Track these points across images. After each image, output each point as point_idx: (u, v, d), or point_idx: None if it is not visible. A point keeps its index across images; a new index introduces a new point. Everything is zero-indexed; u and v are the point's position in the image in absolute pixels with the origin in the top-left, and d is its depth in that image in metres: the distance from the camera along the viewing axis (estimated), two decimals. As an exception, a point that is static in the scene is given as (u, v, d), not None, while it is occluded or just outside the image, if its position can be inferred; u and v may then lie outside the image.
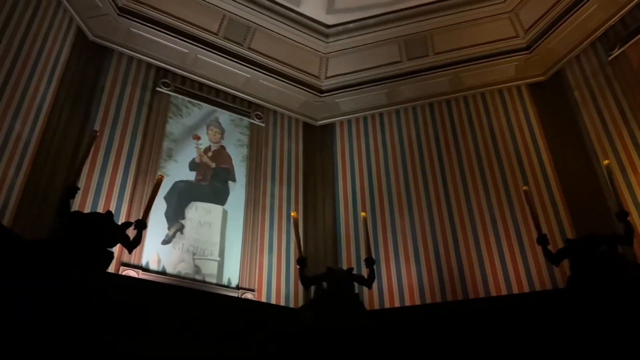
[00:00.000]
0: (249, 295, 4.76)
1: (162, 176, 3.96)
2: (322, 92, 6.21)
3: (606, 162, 3.98)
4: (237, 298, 4.63)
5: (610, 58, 5.02)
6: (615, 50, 4.98)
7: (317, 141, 6.22)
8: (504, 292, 4.66)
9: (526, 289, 4.62)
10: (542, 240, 3.81)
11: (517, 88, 5.79)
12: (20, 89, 4.09)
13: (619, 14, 5.03)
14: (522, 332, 3.53)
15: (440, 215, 5.27)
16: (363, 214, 4.52)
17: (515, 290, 4.65)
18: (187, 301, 3.69)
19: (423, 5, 5.72)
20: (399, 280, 5.02)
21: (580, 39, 5.33)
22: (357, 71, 6.16)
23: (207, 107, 5.62)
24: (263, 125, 5.92)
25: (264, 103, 6.05)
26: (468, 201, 5.26)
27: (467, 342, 3.63)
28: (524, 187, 4.22)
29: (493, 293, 4.67)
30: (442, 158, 5.63)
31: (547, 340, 3.43)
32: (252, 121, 5.85)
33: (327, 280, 4.04)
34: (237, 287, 4.78)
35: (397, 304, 4.87)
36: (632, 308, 3.23)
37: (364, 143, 6.05)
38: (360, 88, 6.15)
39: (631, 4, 4.92)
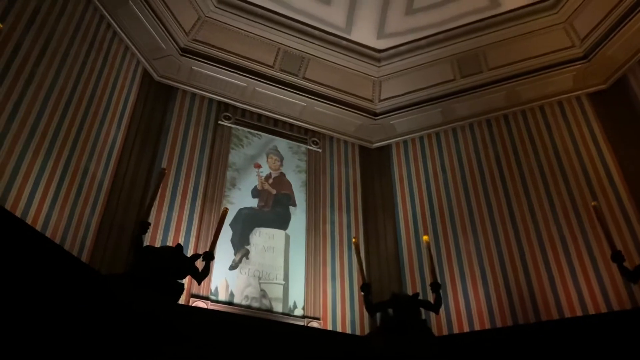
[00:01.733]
0: (314, 324, 4.68)
1: (226, 209, 4.01)
2: (376, 114, 6.17)
3: None
4: (304, 327, 4.58)
5: None
6: None
7: (374, 164, 6.16)
8: (579, 313, 4.37)
9: (603, 309, 4.31)
10: (617, 256, 3.58)
11: (577, 99, 5.54)
12: (94, 132, 4.29)
13: None
14: (601, 355, 3.30)
15: (506, 235, 5.05)
16: (425, 237, 4.38)
17: (592, 311, 4.34)
18: (255, 331, 3.68)
19: (474, 22, 5.63)
20: (467, 304, 4.83)
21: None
22: (410, 92, 6.10)
23: (266, 136, 5.69)
24: (320, 150, 5.92)
25: (320, 129, 6.07)
26: (534, 219, 5.02)
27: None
28: (592, 203, 3.98)
29: (567, 314, 4.40)
30: (504, 175, 5.42)
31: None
32: (309, 147, 5.87)
33: (393, 307, 3.93)
34: (303, 316, 4.73)
35: (466, 329, 4.68)
36: None
37: (422, 164, 5.94)
38: (415, 108, 6.08)
39: None
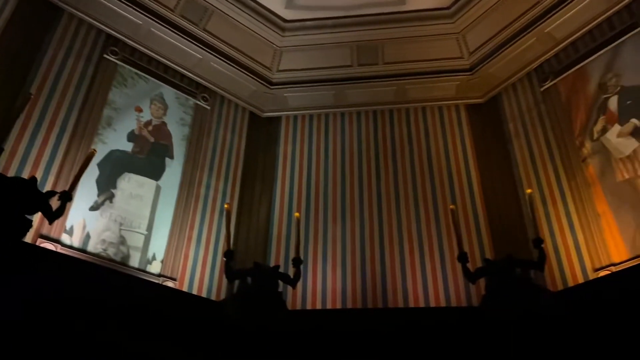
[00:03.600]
0: (170, 284, 4.51)
1: (94, 151, 3.67)
2: (272, 84, 6.03)
3: (529, 191, 4.06)
4: (158, 284, 4.39)
5: (542, 89, 5.21)
6: (548, 82, 5.17)
7: (262, 134, 6.01)
8: (422, 304, 4.65)
9: (442, 304, 4.63)
10: (463, 257, 3.81)
11: (456, 107, 5.84)
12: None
13: (555, 49, 5.22)
14: (435, 344, 3.53)
15: (371, 224, 5.20)
16: (297, 214, 4.37)
17: (432, 304, 4.65)
18: (104, 282, 3.45)
19: (378, 14, 5.67)
20: (323, 283, 4.92)
21: (519, 68, 5.49)
22: (309, 69, 6.03)
23: (153, 81, 5.34)
24: (208, 108, 5.68)
25: (212, 87, 5.81)
26: (399, 214, 5.23)
27: (380, 348, 3.59)
28: (451, 206, 4.23)
29: (411, 304, 4.66)
30: (380, 169, 5.56)
31: (456, 353, 3.46)
32: (198, 102, 5.61)
33: (253, 276, 3.88)
34: (159, 275, 4.54)
35: (318, 306, 4.77)
36: (541, 332, 3.28)
37: (307, 143, 5.89)
38: (310, 85, 6.03)
39: (566, 42, 5.13)
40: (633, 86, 4.43)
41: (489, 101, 5.74)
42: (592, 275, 4.16)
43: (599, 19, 4.88)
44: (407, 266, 4.90)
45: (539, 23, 5.19)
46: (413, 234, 5.07)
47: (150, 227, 4.69)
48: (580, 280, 4.22)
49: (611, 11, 4.80)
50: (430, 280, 4.79)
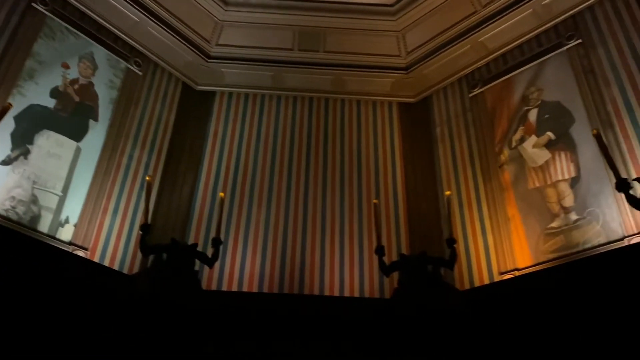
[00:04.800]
0: (80, 253, 4.27)
1: (10, 105, 3.41)
2: (209, 57, 5.85)
3: (448, 193, 4.23)
4: (67, 252, 4.15)
5: (471, 95, 5.39)
6: (477, 89, 5.38)
7: (194, 108, 5.80)
8: (337, 293, 4.70)
9: (356, 294, 4.70)
10: (380, 251, 3.89)
11: (389, 104, 5.93)
12: None
13: (486, 58, 5.44)
14: (345, 333, 3.58)
15: (296, 212, 5.18)
16: (222, 194, 4.29)
17: (347, 293, 4.71)
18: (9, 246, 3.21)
19: (323, 2, 5.69)
20: (242, 266, 4.85)
21: (451, 73, 5.67)
22: (249, 47, 5.91)
23: (85, 38, 5.03)
24: (140, 74, 5.43)
25: (147, 52, 5.56)
26: (324, 203, 5.25)
27: (292, 333, 3.60)
28: (374, 200, 4.31)
29: (327, 292, 4.70)
30: (310, 157, 5.56)
31: (365, 343, 3.53)
32: (130, 67, 5.35)
33: (168, 252, 3.75)
34: (70, 243, 4.29)
35: (234, 288, 4.71)
36: (445, 327, 3.39)
37: (240, 123, 5.76)
38: (249, 64, 5.92)
39: (497, 53, 5.36)
40: (552, 101, 4.68)
41: (421, 102, 5.89)
42: (497, 278, 4.37)
43: (529, 35, 5.14)
44: (326, 255, 4.93)
45: (474, 32, 5.39)
46: (336, 224, 5.11)
47: (65, 189, 4.42)
48: (486, 281, 4.43)
49: (540, 29, 5.07)
50: (348, 270, 4.85)
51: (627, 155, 3.98)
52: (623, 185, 3.11)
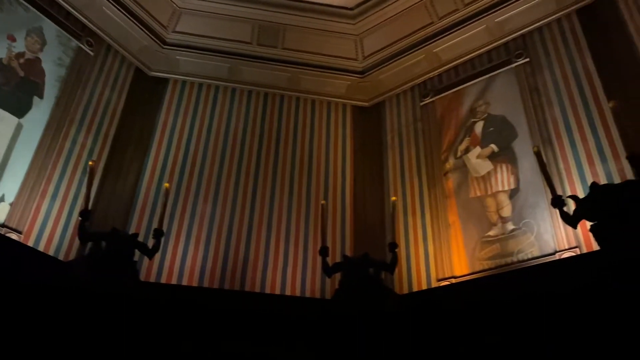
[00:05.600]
0: (13, 236, 4.04)
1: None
2: (165, 43, 5.70)
3: (394, 198, 4.31)
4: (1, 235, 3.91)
5: (422, 104, 5.50)
6: (428, 98, 5.50)
7: (145, 94, 5.60)
8: (278, 291, 4.68)
9: (298, 293, 4.69)
10: (324, 251, 3.88)
11: (343, 106, 5.96)
12: None
13: (439, 69, 5.57)
14: (281, 331, 3.56)
15: (242, 208, 5.11)
16: (167, 185, 4.16)
17: (288, 292, 4.69)
18: None
19: (284, -2, 5.57)
20: (183, 259, 4.74)
21: (405, 80, 5.77)
22: (207, 36, 5.81)
23: (34, 12, 4.80)
24: (92, 54, 5.22)
25: (100, 32, 5.34)
26: (272, 201, 5.21)
27: (229, 329, 3.54)
28: (322, 201, 4.34)
29: (268, 290, 4.67)
30: (261, 154, 5.50)
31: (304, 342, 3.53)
32: (81, 46, 5.13)
33: (107, 240, 3.60)
34: (2, 225, 4.04)
35: (174, 281, 4.59)
36: (382, 329, 3.42)
37: (192, 113, 5.62)
38: (206, 54, 5.81)
39: (449, 64, 5.49)
40: (498, 115, 4.84)
41: (374, 106, 5.95)
42: (434, 284, 4.47)
43: (481, 50, 5.31)
44: (270, 253, 4.90)
45: (429, 42, 5.51)
46: (282, 223, 5.09)
47: (3, 167, 4.18)
48: (424, 287, 4.53)
49: (492, 45, 5.25)
50: (291, 269, 4.84)
51: (563, 173, 4.16)
52: (558, 202, 3.23)
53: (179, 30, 5.74)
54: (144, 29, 5.51)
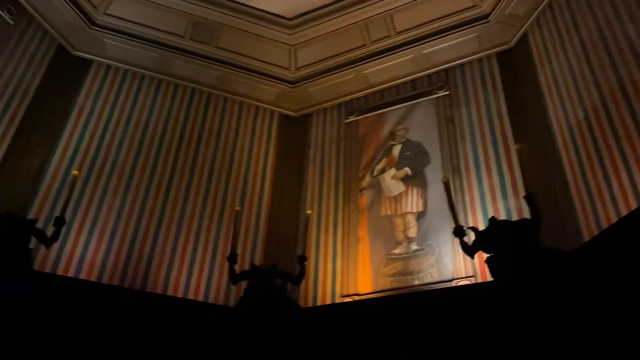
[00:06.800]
0: None
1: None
2: (94, 23, 5.39)
3: (309, 212, 4.37)
4: None
5: (346, 121, 5.60)
6: (352, 116, 5.62)
7: (64, 73, 5.22)
8: (180, 294, 4.50)
9: (201, 298, 4.55)
10: (232, 258, 3.79)
11: (271, 112, 5.95)
12: None
13: (366, 90, 5.71)
14: (172, 336, 3.42)
15: (154, 205, 4.87)
16: (75, 172, 3.91)
17: (191, 296, 4.53)
18: None
19: (224, -2, 5.45)
20: (84, 252, 4.45)
21: (333, 97, 5.85)
22: (139, 23, 5.59)
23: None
24: (11, 23, 4.81)
25: (25, 3, 4.95)
26: (186, 201, 5.01)
27: (127, 328, 3.34)
28: (237, 207, 4.28)
29: (170, 292, 4.48)
30: (180, 151, 5.29)
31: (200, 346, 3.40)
32: (1, 12, 4.69)
33: (1, 224, 3.31)
34: None
35: (70, 274, 4.27)
36: (283, 341, 3.36)
37: (112, 100, 5.32)
38: (135, 41, 5.57)
39: (376, 87, 5.65)
40: (415, 141, 5.06)
41: (301, 117, 5.99)
42: (338, 300, 4.52)
43: (406, 78, 5.53)
44: (177, 254, 4.73)
45: (360, 63, 5.65)
46: (194, 224, 4.93)
47: None
48: (328, 302, 4.56)
49: (417, 75, 5.49)
50: (196, 273, 4.70)
51: (468, 204, 4.35)
52: (459, 232, 3.36)
53: (110, 13, 5.45)
54: (73, 6, 5.17)
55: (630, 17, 3.61)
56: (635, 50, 3.50)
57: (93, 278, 4.30)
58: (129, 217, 4.72)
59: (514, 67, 4.85)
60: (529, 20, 4.78)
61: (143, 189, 4.91)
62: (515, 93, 4.70)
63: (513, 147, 4.34)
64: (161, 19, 5.55)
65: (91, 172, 4.82)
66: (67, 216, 3.75)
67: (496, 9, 4.88)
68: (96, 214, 4.63)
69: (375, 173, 5.04)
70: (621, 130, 3.49)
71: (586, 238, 3.55)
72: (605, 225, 3.42)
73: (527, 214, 3.45)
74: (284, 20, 5.67)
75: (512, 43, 4.95)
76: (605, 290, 2.83)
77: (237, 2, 5.53)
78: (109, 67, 5.48)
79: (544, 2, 4.61)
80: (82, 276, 4.29)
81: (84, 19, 5.28)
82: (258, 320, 3.43)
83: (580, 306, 2.85)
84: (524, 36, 4.86)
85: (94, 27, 5.36)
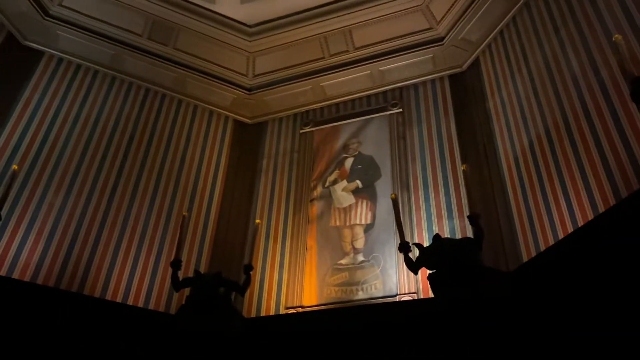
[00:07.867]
0: None
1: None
2: (47, 14, 5.15)
3: (258, 222, 4.41)
4: None
5: (301, 132, 5.63)
6: (307, 127, 5.65)
7: (13, 61, 4.94)
8: (119, 299, 4.31)
9: (141, 304, 4.35)
10: (176, 264, 3.68)
11: (226, 118, 5.86)
12: None
13: (322, 102, 5.72)
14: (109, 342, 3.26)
15: (97, 205, 4.65)
16: (15, 166, 3.73)
17: (130, 302, 4.34)
18: None
19: (185, 0, 5.30)
20: (18, 251, 4.18)
21: (289, 106, 5.82)
22: (95, 18, 5.42)
23: None
24: (-43, 7, 4.42)
25: (-27, -14, 4.60)
26: (131, 203, 4.81)
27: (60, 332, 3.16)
28: (184, 213, 4.23)
29: (108, 297, 4.28)
30: (130, 151, 5.08)
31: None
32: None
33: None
34: None
35: (3, 273, 3.99)
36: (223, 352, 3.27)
37: (62, 94, 5.06)
38: (90, 35, 5.36)
39: (332, 100, 5.67)
40: (367, 155, 5.13)
41: (256, 125, 5.96)
42: (282, 311, 4.46)
43: (362, 93, 5.60)
44: (119, 258, 4.54)
45: (317, 75, 5.68)
46: (138, 228, 4.75)
47: None
48: (272, 313, 4.48)
49: (372, 91, 5.58)
50: (137, 278, 4.52)
51: (414, 221, 4.43)
52: (404, 248, 3.36)
53: (66, 5, 5.26)
54: (28, -5, 4.87)
55: (574, 51, 3.78)
56: (578, 83, 3.66)
57: (27, 279, 4.05)
58: (71, 217, 4.49)
59: (465, 90, 4.98)
60: (481, 47, 4.95)
61: (87, 188, 4.69)
62: (465, 116, 4.82)
63: (460, 168, 4.43)
64: (119, 16, 5.38)
65: (33, 168, 4.56)
66: (3, 212, 3.54)
67: (451, 32, 5.04)
68: (35, 212, 4.38)
69: (327, 184, 5.06)
70: (562, 160, 3.63)
71: (525, 259, 3.66)
72: (543, 247, 3.54)
73: (470, 234, 3.50)
74: (244, 27, 5.62)
75: (464, 67, 5.10)
76: (541, 308, 2.91)
77: (198, 5, 5.46)
78: (60, 60, 5.24)
79: (496, 30, 4.78)
80: (15, 276, 4.02)
81: (37, 8, 5.04)
82: (199, 329, 3.33)
83: (517, 323, 2.92)
84: (476, 61, 5.02)
85: (47, 18, 5.12)
